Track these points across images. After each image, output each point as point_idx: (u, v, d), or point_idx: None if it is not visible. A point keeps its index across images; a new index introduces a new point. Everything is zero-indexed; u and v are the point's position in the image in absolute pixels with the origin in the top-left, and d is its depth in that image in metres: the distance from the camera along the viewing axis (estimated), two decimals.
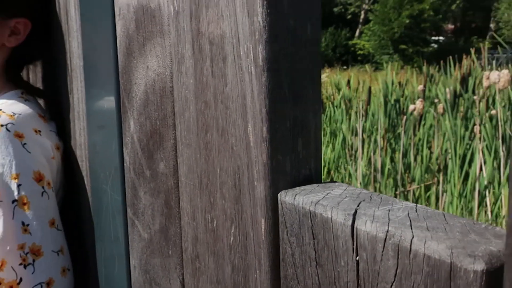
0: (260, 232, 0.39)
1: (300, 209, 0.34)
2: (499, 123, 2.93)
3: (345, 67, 16.36)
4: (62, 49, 0.89)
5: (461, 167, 3.24)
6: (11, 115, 0.84)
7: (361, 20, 23.12)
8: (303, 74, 0.38)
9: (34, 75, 1.10)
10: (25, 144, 0.82)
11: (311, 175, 0.40)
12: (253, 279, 0.40)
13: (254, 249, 0.40)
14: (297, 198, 0.35)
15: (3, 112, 0.83)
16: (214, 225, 0.45)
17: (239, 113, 0.40)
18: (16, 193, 0.79)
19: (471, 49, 4.56)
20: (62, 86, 0.92)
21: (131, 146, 0.63)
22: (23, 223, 0.79)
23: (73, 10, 0.81)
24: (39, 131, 0.86)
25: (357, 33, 22.61)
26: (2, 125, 0.81)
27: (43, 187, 0.83)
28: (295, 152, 0.39)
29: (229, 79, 0.40)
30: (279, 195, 0.37)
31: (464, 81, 3.80)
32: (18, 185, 0.79)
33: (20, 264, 0.79)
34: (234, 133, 0.41)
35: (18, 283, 0.79)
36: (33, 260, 0.80)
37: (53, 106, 0.95)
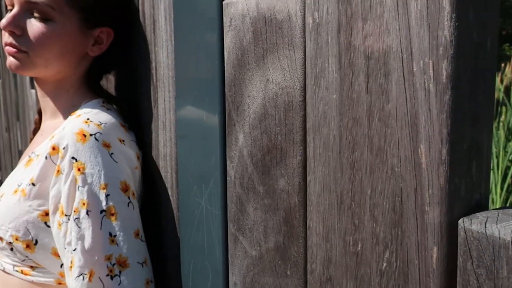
0: (430, 261, 0.36)
1: (495, 239, 0.32)
2: None
3: None
4: (146, 59, 0.88)
5: (503, 179, 3.14)
6: (98, 125, 0.83)
7: None
8: (481, 92, 0.36)
9: (106, 83, 1.10)
10: (112, 154, 0.81)
11: (481, 199, 0.37)
12: None
13: (419, 277, 0.37)
14: (489, 227, 0.32)
15: (90, 121, 0.83)
16: (358, 248, 0.43)
17: (405, 132, 0.37)
18: (104, 203, 0.78)
19: None
20: (143, 96, 0.92)
21: (239, 160, 0.61)
22: (110, 234, 0.78)
23: (163, 20, 0.80)
24: (123, 140, 0.85)
25: None
26: (91, 135, 0.80)
27: (129, 198, 0.82)
28: (470, 175, 0.36)
29: (393, 96, 0.38)
30: (461, 222, 0.34)
31: (507, 89, 3.70)
32: (106, 195, 0.78)
33: (107, 275, 0.78)
34: (397, 154, 0.38)
35: None
36: (120, 272, 0.79)
37: (131, 116, 0.95)
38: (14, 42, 0.86)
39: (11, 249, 0.83)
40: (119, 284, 0.78)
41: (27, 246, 0.82)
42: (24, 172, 0.87)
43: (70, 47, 0.88)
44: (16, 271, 0.86)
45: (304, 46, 0.47)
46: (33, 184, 0.82)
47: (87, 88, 0.97)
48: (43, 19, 0.85)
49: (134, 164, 0.86)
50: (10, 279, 0.87)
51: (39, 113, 1.08)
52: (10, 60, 0.88)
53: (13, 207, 0.83)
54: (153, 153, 0.89)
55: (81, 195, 0.78)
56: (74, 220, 0.78)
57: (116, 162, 0.81)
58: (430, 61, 0.35)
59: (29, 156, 0.88)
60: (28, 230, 0.82)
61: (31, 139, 1.08)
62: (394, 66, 0.37)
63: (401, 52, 0.37)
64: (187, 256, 0.79)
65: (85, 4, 0.86)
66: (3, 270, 0.87)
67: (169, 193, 0.85)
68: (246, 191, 0.60)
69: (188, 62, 0.72)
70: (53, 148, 0.81)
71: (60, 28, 0.85)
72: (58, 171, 0.80)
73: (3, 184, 0.91)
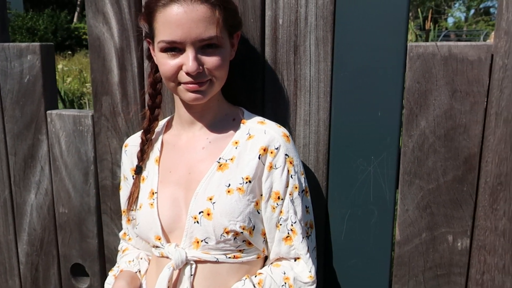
0: None
1: None
2: None
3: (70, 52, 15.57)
4: (277, 73, 1.14)
5: None
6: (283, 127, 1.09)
7: (78, 3, 22.00)
8: None
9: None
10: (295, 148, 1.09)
11: None
12: None
13: None
14: None
15: (279, 125, 1.07)
16: None
17: None
18: (304, 185, 1.07)
19: None
20: (275, 101, 1.17)
21: (419, 137, 1.05)
22: (306, 206, 1.08)
23: (313, 47, 1.10)
24: None
25: (75, 17, 21.55)
26: (290, 135, 1.06)
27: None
28: None
29: None
30: None
31: None
32: (304, 179, 1.07)
33: (305, 236, 1.08)
34: None
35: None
36: (311, 232, 1.09)
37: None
38: (198, 79, 0.98)
39: (235, 238, 1.00)
40: (311, 241, 1.09)
41: (250, 232, 1.01)
42: (223, 176, 1.02)
43: (228, 60, 1.04)
44: (229, 257, 1.02)
45: (490, 75, 0.98)
46: (250, 182, 1.01)
47: (223, 96, 1.13)
48: (214, 48, 0.98)
49: None
50: (221, 268, 1.03)
51: (146, 132, 1.13)
52: (194, 95, 0.99)
53: (236, 203, 1.00)
54: None
55: (293, 181, 1.03)
56: (291, 201, 1.03)
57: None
58: None
59: (218, 162, 1.03)
60: (250, 219, 1.01)
61: (142, 152, 1.12)
62: None
63: None
64: (341, 209, 1.16)
65: (232, 21, 1.02)
66: (216, 261, 1.02)
67: (312, 169, 1.17)
68: (426, 153, 1.06)
69: (356, 78, 1.07)
70: (264, 150, 1.01)
71: (226, 50, 1.01)
72: (270, 166, 1.02)
73: (199, 190, 1.01)
